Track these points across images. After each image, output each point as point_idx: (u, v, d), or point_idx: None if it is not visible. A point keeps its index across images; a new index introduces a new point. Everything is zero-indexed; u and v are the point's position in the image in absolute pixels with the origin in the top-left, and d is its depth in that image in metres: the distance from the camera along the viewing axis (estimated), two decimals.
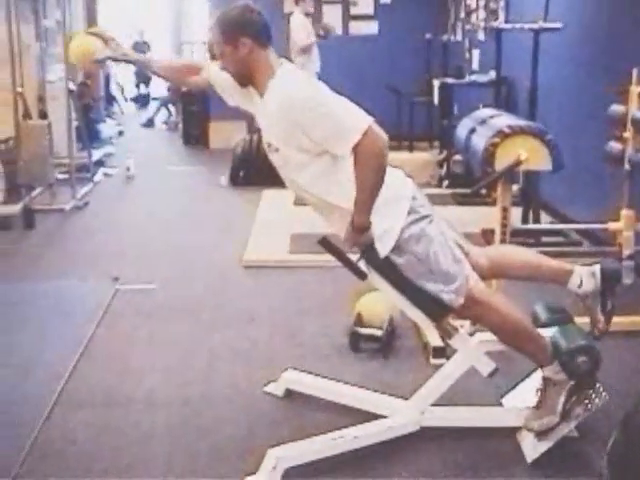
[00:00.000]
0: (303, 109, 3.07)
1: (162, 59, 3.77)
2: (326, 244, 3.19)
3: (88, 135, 10.12)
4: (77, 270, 6.08)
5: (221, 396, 4.02)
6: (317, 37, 9.69)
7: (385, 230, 3.20)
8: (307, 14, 9.86)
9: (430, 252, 3.24)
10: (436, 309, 3.31)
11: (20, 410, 3.89)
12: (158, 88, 16.79)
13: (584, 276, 3.57)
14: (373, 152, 3.04)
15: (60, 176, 8.78)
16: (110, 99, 16.45)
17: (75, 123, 9.52)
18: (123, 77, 18.13)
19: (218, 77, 3.54)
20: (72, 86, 9.30)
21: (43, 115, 8.80)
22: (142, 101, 18.03)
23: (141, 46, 16.97)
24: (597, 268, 3.59)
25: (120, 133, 13.72)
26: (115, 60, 3.77)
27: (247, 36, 3.19)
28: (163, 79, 3.86)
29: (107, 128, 12.95)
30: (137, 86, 18.07)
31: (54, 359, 4.46)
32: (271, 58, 3.25)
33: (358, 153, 3.04)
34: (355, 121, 3.05)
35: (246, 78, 3.28)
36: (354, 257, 3.27)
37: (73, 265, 6.23)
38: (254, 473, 3.26)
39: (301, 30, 9.62)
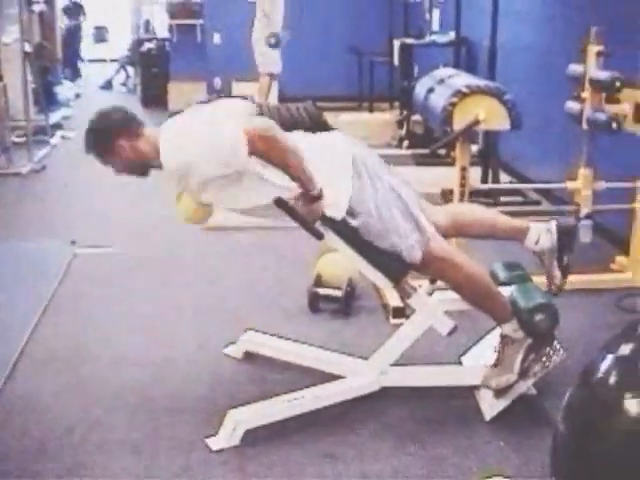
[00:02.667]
0: (193, 169, 3.14)
1: None
2: (282, 204, 3.18)
3: (45, 97, 9.98)
4: (35, 234, 6.02)
5: (183, 358, 4.02)
6: (268, 45, 9.55)
7: (333, 197, 3.21)
8: None
9: (383, 210, 3.25)
10: (395, 268, 3.32)
11: None
12: (116, 49, 16.55)
13: (541, 233, 3.60)
14: (266, 144, 3.09)
15: (17, 139, 8.68)
16: (67, 61, 16.20)
17: (32, 85, 9.39)
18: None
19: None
20: (28, 48, 9.16)
21: None
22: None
23: (72, 10, 16.60)
24: (553, 225, 3.61)
25: (77, 95, 13.54)
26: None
27: (118, 138, 3.26)
28: None
29: (64, 90, 12.77)
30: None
31: (14, 319, 4.44)
32: (150, 136, 3.30)
33: (256, 154, 3.09)
34: (231, 138, 3.08)
35: (144, 169, 3.36)
36: None
37: (30, 229, 6.17)
38: (215, 435, 3.27)
39: None
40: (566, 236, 3.62)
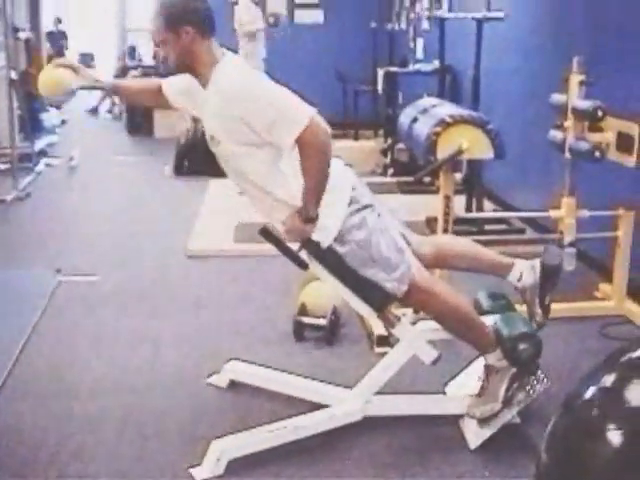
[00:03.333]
0: (244, 102, 3.06)
1: (128, 83, 3.72)
2: (266, 234, 3.19)
3: (30, 124, 9.98)
4: (19, 261, 6.00)
5: (166, 386, 4.00)
6: (267, 24, 9.59)
7: (326, 224, 3.21)
8: (255, 2, 9.74)
9: (372, 240, 3.24)
10: (379, 298, 3.32)
11: None
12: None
13: (524, 270, 3.61)
14: (316, 144, 3.05)
15: (1, 166, 8.69)
16: None
17: (17, 112, 9.38)
18: None
19: (170, 90, 3.54)
20: (14, 75, 9.16)
21: None
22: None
23: (56, 36, 16.63)
24: (537, 263, 3.62)
25: (63, 122, 13.55)
26: (86, 89, 3.66)
27: (190, 25, 3.14)
28: (131, 103, 3.85)
29: (50, 117, 12.77)
30: None
31: None
32: (214, 49, 3.22)
33: (302, 145, 3.04)
34: (297, 113, 3.04)
35: (186, 68, 3.25)
36: (295, 246, 3.26)
37: (14, 256, 6.14)
38: (199, 465, 3.25)
39: (247, 16, 9.54)
40: (549, 275, 3.63)
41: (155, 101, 3.71)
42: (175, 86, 3.49)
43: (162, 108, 3.72)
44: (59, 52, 16.36)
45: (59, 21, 16.89)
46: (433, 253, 3.61)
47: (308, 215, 3.15)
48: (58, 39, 16.62)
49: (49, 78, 3.52)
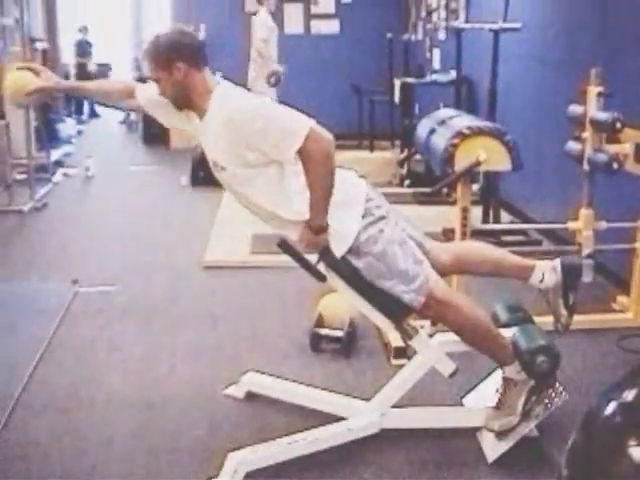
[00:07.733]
0: (244, 125, 3.08)
1: (97, 83, 3.77)
2: (285, 246, 3.18)
3: (47, 135, 10.02)
4: (36, 272, 6.02)
5: (183, 398, 3.99)
6: (268, 84, 9.57)
7: (340, 233, 3.21)
8: (271, 12, 9.72)
9: (389, 252, 3.24)
10: (396, 310, 3.31)
11: None
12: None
13: (546, 271, 3.58)
14: (318, 154, 3.07)
15: (18, 177, 8.71)
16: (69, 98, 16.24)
17: (34, 123, 9.43)
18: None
19: (147, 100, 3.56)
20: None
21: (1, 115, 8.69)
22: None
23: (83, 46, 16.71)
24: (558, 263, 3.60)
25: (79, 132, 13.59)
26: (48, 90, 3.71)
27: (182, 60, 3.18)
28: (101, 104, 3.87)
29: (66, 127, 12.82)
30: None
31: (12, 362, 4.40)
32: (208, 79, 3.25)
33: (304, 157, 3.06)
34: (296, 126, 3.07)
35: (183, 102, 3.29)
36: (312, 259, 3.26)
37: (32, 267, 6.16)
38: (216, 477, 3.24)
39: (263, 30, 9.55)
40: (571, 275, 3.60)
41: (124, 102, 3.78)
42: (151, 97, 3.49)
43: (132, 110, 3.78)
44: (85, 64, 16.48)
45: (85, 30, 16.90)
46: (453, 259, 3.60)
47: (318, 225, 3.16)
48: (86, 49, 16.71)
49: (11, 82, 3.58)
